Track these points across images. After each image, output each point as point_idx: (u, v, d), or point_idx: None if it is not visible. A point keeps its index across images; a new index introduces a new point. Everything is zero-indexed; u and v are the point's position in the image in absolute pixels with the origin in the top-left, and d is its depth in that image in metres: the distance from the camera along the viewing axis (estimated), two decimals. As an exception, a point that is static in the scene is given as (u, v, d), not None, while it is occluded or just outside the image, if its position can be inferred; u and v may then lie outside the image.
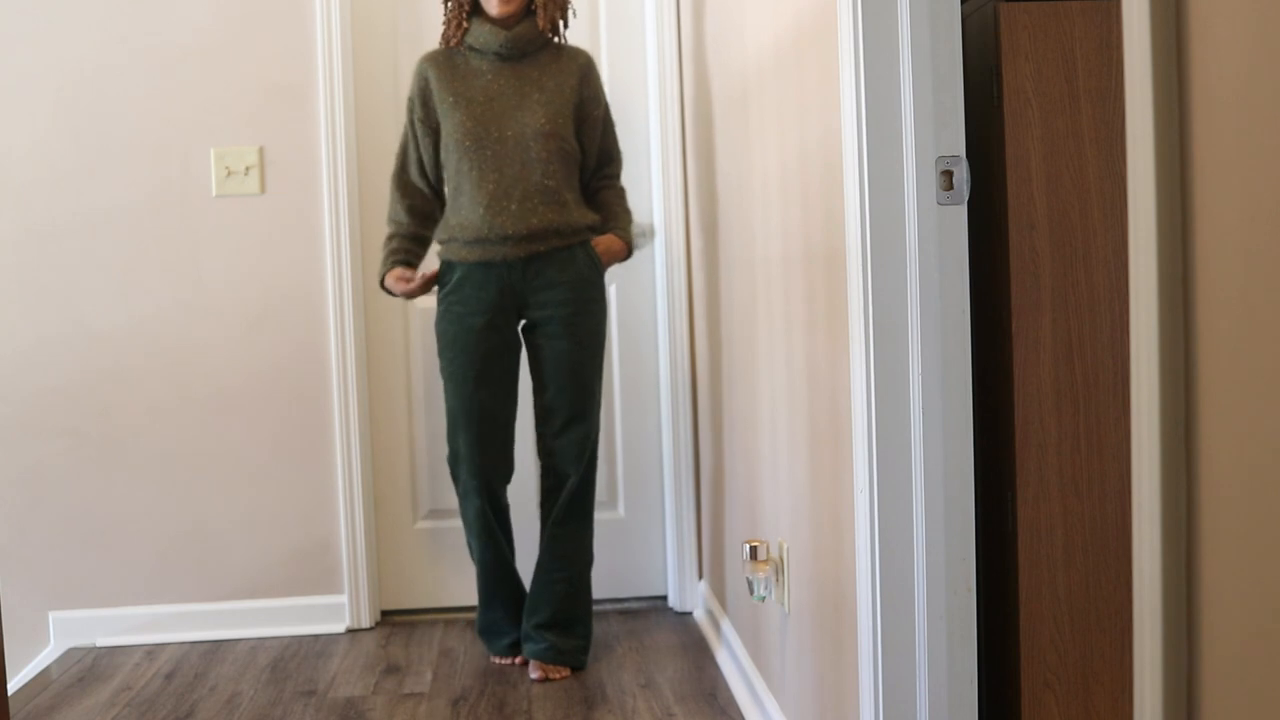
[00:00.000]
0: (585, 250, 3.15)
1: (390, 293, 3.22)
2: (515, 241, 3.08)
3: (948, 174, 1.80)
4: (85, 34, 3.58)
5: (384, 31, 3.71)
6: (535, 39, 3.14)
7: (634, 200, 3.69)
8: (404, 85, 3.64)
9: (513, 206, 3.07)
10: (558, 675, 3.14)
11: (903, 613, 1.86)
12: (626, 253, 3.25)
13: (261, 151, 3.62)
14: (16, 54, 3.57)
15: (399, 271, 3.18)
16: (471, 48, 3.15)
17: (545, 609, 3.19)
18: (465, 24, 3.14)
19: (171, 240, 3.61)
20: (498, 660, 3.29)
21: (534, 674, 3.14)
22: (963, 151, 1.79)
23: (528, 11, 3.14)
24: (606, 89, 3.72)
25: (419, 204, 3.23)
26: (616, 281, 3.77)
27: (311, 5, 3.61)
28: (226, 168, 3.62)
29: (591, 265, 3.15)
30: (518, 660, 3.25)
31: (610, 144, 3.27)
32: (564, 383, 3.13)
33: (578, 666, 3.19)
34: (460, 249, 3.12)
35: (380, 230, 3.64)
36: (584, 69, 3.18)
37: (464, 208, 3.11)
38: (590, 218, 3.17)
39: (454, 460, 3.20)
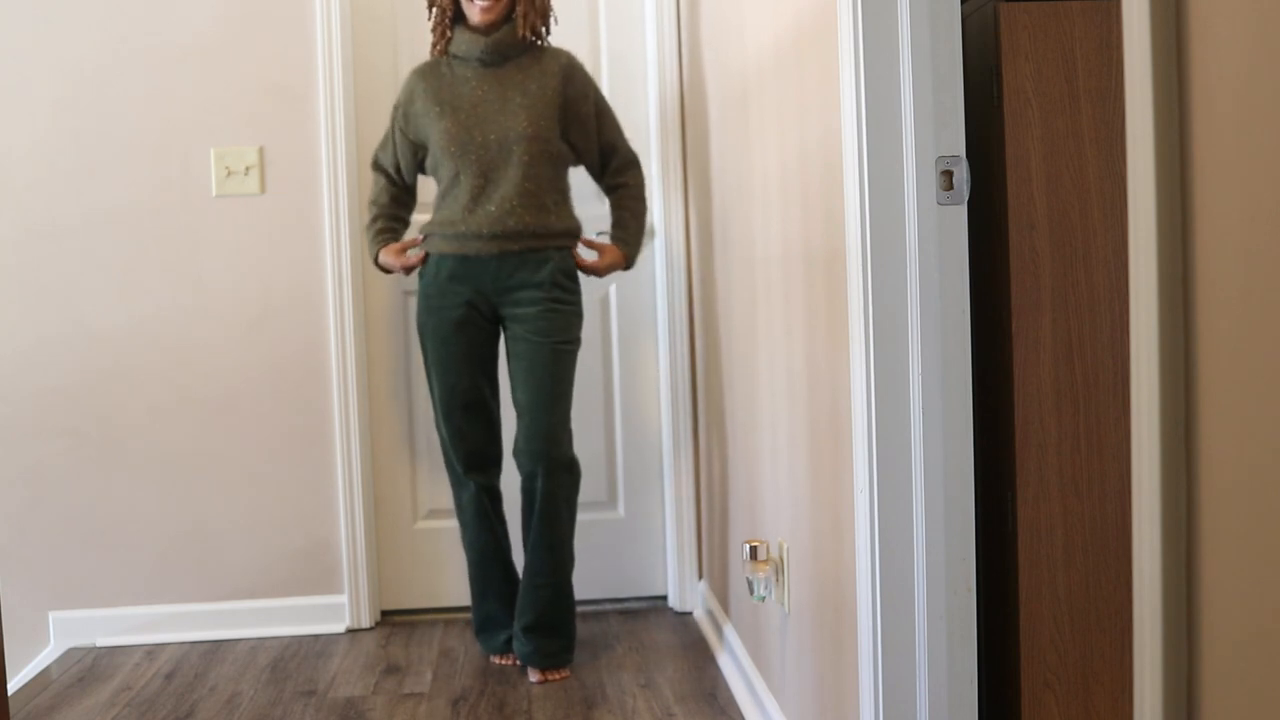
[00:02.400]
0: (561, 256, 3.18)
1: (385, 270, 3.30)
2: (490, 239, 3.13)
3: (948, 174, 1.80)
4: (85, 34, 3.58)
5: (384, 32, 3.71)
6: (515, 44, 3.17)
7: (634, 200, 3.69)
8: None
9: (491, 208, 3.12)
10: (557, 677, 3.15)
11: (903, 613, 1.86)
12: (626, 264, 3.28)
13: (261, 151, 3.62)
14: (16, 54, 3.57)
15: (392, 246, 3.27)
16: (455, 56, 3.20)
17: (530, 612, 3.19)
18: (449, 33, 3.20)
19: (171, 240, 3.61)
20: (497, 660, 3.29)
21: (533, 678, 3.15)
22: (963, 151, 1.79)
23: (509, 17, 3.17)
24: (606, 89, 3.72)
25: (399, 191, 3.33)
26: (616, 281, 3.77)
27: (311, 5, 3.61)
28: (226, 168, 3.62)
29: (565, 271, 3.18)
30: (516, 660, 3.25)
31: (611, 135, 3.27)
32: (535, 383, 3.15)
33: (562, 666, 3.20)
34: (440, 242, 3.18)
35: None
36: (566, 69, 3.20)
37: (447, 206, 3.18)
38: (570, 223, 3.20)
39: (444, 449, 3.27)
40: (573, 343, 3.19)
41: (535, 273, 3.14)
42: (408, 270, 3.26)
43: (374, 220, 3.32)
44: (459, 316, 3.17)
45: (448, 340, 3.18)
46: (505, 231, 3.12)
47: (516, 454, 3.18)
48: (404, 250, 3.26)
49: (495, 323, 3.23)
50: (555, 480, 3.15)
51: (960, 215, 1.81)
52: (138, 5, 3.58)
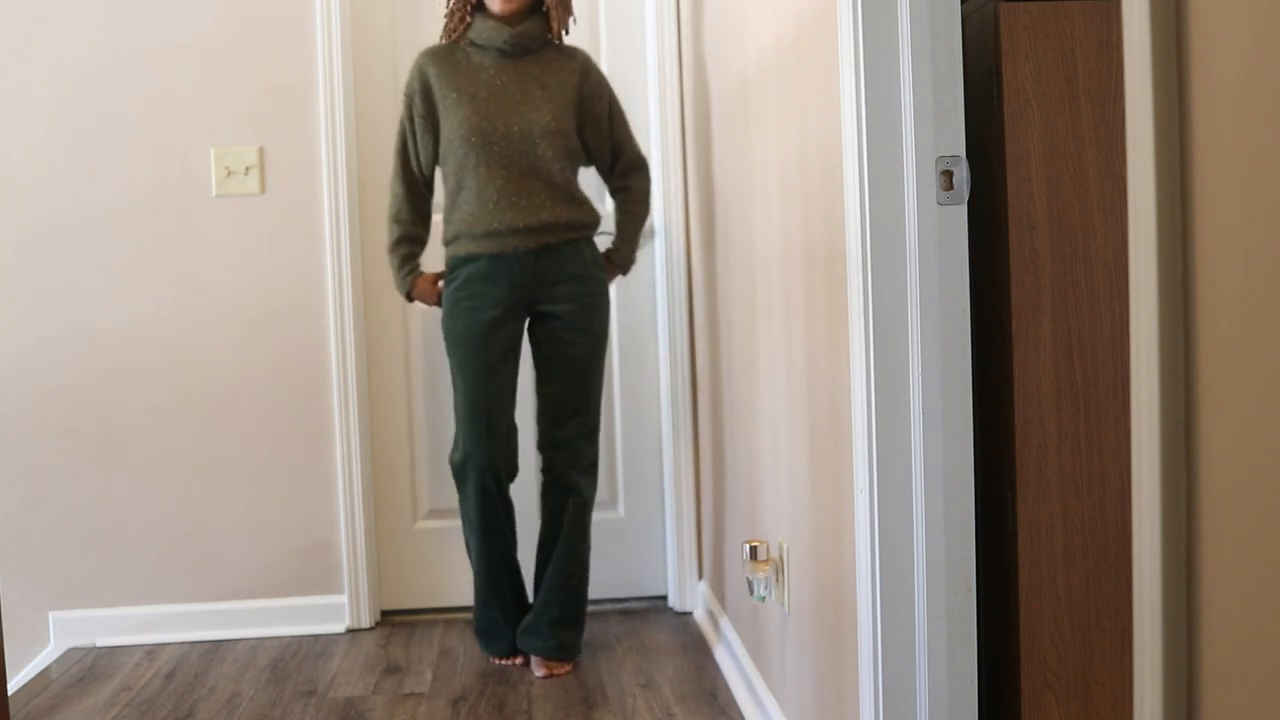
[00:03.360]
0: (591, 247, 3.20)
1: (409, 299, 3.26)
2: (526, 234, 3.08)
3: (948, 174, 1.80)
4: (85, 34, 3.58)
5: (384, 31, 3.71)
6: (538, 37, 3.15)
7: (634, 200, 3.69)
8: (404, 85, 3.65)
9: (522, 202, 3.08)
10: (561, 671, 3.16)
11: (903, 613, 1.86)
12: (622, 273, 3.34)
13: (261, 151, 3.62)
14: (16, 54, 3.57)
15: (427, 278, 3.23)
16: (473, 43, 3.15)
17: (557, 606, 3.21)
18: (469, 18, 3.15)
19: (171, 240, 3.61)
20: (498, 661, 3.29)
21: (539, 672, 3.15)
22: (963, 151, 1.79)
23: (529, 11, 3.14)
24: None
25: (419, 202, 3.23)
26: (616, 281, 3.76)
27: (311, 5, 3.61)
28: (226, 168, 3.62)
29: (596, 262, 3.20)
30: (518, 660, 3.25)
31: (621, 135, 3.26)
32: (572, 378, 3.16)
33: (577, 655, 3.25)
34: (469, 243, 3.11)
35: (380, 230, 3.65)
36: (583, 67, 3.19)
37: (468, 203, 3.10)
38: (597, 215, 3.21)
39: (462, 457, 3.16)
40: (606, 335, 3.22)
41: (571, 265, 3.13)
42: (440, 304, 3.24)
43: (397, 244, 3.21)
44: (493, 317, 3.10)
45: (480, 342, 3.10)
46: (541, 225, 3.08)
47: (551, 448, 3.18)
48: (437, 281, 3.22)
49: (525, 320, 3.19)
50: (589, 478, 3.21)
51: (960, 215, 1.81)
52: (138, 5, 3.58)
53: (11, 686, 3.31)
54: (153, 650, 3.54)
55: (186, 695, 3.13)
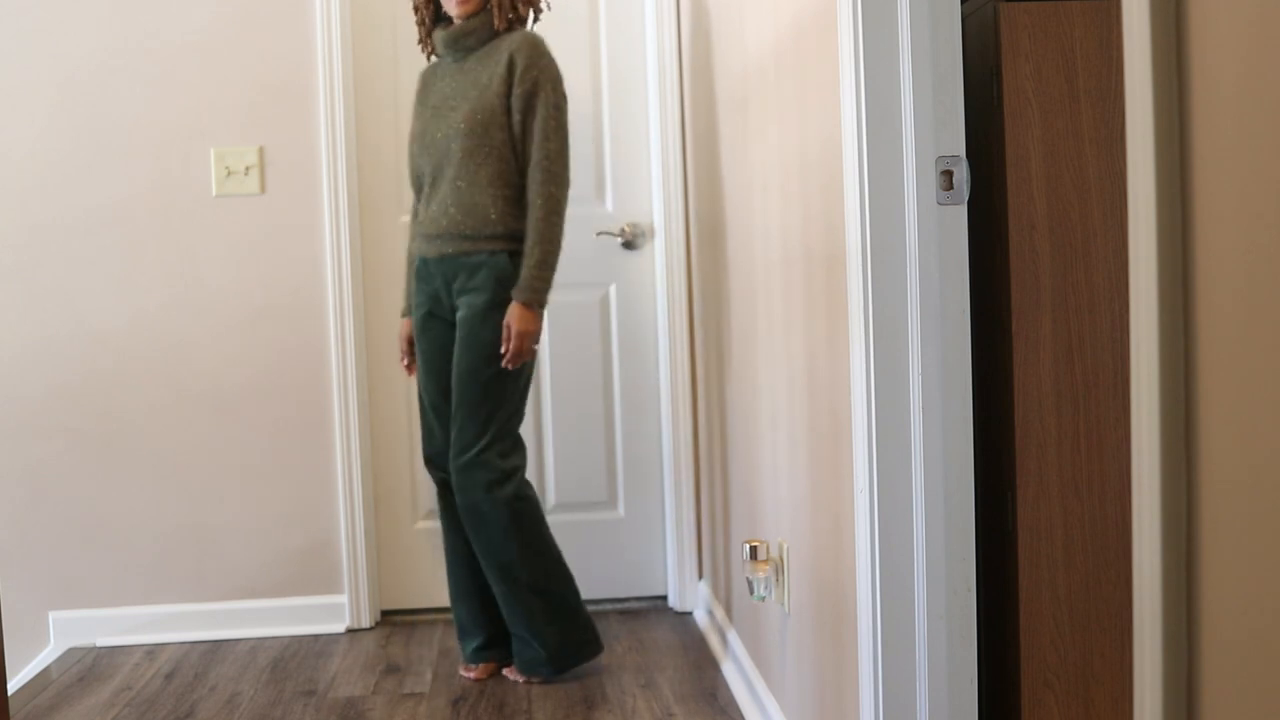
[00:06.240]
0: (496, 261, 3.00)
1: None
2: (434, 240, 3.08)
3: (948, 174, 1.80)
4: (85, 34, 3.58)
5: (384, 31, 3.71)
6: (475, 33, 3.05)
7: (634, 200, 3.69)
8: (404, 85, 3.67)
9: (433, 208, 3.08)
10: (530, 681, 3.12)
11: (903, 613, 1.86)
12: (526, 309, 2.97)
13: (261, 151, 3.62)
14: (16, 54, 3.57)
15: (405, 329, 3.25)
16: (435, 53, 3.18)
17: (511, 626, 3.15)
18: (428, 25, 3.16)
19: (171, 240, 3.61)
20: (462, 671, 3.20)
21: (513, 677, 3.14)
22: (963, 151, 1.79)
23: (485, 8, 3.07)
24: (606, 89, 3.72)
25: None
26: (616, 281, 3.76)
27: (311, 5, 3.61)
28: (226, 168, 3.62)
29: (503, 280, 3.00)
30: (474, 672, 3.18)
31: (533, 128, 2.98)
32: (456, 387, 3.05)
33: (549, 674, 3.11)
34: (413, 242, 3.19)
35: (380, 231, 3.65)
36: (513, 51, 2.97)
37: (417, 205, 3.19)
38: (498, 228, 3.00)
39: (422, 450, 3.28)
40: (495, 351, 3.01)
41: (471, 278, 3.03)
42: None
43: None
44: (422, 315, 3.16)
45: (418, 336, 3.17)
46: (441, 233, 3.05)
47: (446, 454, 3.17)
48: (410, 338, 3.22)
49: (454, 325, 3.12)
50: (468, 495, 3.02)
51: (960, 215, 1.81)
52: (138, 5, 3.58)
53: (11, 686, 3.31)
54: (153, 650, 3.54)
55: (186, 695, 3.13)
